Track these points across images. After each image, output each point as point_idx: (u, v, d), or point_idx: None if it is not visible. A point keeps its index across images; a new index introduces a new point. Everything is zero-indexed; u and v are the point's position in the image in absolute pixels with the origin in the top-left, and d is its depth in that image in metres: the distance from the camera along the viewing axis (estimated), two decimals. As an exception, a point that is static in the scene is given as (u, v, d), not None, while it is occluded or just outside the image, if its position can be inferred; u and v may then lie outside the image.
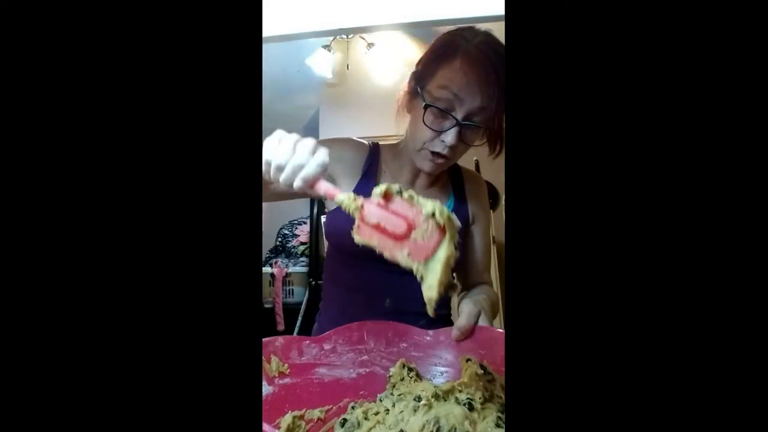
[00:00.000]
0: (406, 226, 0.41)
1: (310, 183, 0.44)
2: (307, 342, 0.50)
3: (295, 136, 0.46)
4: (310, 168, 0.44)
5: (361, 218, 0.43)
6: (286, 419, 0.44)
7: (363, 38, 2.45)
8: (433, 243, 0.40)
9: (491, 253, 0.83)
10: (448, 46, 0.65)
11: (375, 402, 0.49)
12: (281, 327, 2.10)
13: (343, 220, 0.72)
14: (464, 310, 0.58)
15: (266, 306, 2.17)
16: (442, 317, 0.79)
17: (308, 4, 0.41)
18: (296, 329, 2.01)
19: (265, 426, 0.35)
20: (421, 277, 0.41)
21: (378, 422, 0.43)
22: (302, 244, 2.39)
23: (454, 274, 0.82)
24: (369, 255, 0.72)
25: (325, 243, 0.86)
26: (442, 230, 0.40)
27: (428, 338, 0.56)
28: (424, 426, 0.39)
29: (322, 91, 3.00)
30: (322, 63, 2.53)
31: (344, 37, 2.42)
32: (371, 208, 0.43)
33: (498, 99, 0.64)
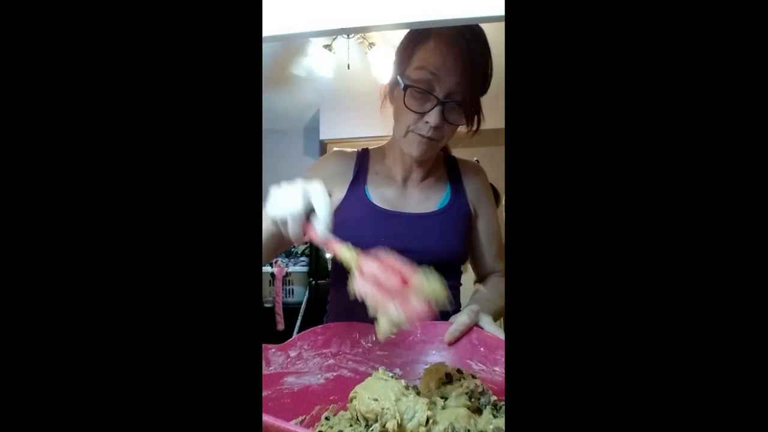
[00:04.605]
0: (401, 281, 0.42)
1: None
2: (273, 350, 0.49)
3: (284, 189, 0.48)
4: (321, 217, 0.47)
5: (359, 270, 0.44)
6: None
7: (363, 38, 2.45)
8: (422, 309, 0.42)
9: (502, 240, 0.81)
10: (421, 31, 0.66)
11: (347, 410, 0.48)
12: (281, 327, 2.10)
13: (341, 229, 0.73)
14: (459, 316, 0.59)
15: (266, 306, 2.17)
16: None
17: (308, 4, 0.41)
18: (296, 329, 2.01)
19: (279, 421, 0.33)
20: (376, 320, 0.42)
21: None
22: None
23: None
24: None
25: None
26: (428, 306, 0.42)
27: (392, 336, 0.57)
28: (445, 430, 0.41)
29: (322, 91, 3.00)
30: (322, 63, 2.53)
31: (344, 37, 2.42)
32: (368, 262, 0.44)
33: (473, 74, 0.65)
